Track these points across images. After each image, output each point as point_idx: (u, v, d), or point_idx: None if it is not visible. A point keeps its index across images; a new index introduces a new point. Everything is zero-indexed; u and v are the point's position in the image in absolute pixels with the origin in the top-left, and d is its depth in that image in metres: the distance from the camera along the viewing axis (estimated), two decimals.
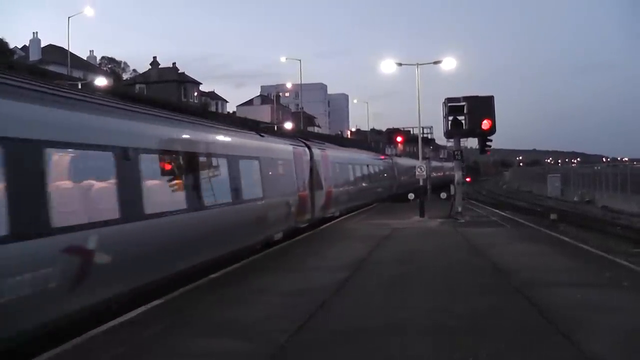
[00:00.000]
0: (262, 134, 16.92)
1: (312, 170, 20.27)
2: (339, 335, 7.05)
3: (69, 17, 45.80)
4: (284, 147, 18.00)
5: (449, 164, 69.79)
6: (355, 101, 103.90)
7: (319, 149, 22.66)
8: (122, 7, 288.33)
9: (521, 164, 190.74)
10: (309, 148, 20.69)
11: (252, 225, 13.82)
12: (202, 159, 11.65)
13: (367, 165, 33.54)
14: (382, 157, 44.48)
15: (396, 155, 54.30)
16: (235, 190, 12.84)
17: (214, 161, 12.27)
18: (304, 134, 36.49)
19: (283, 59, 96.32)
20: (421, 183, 27.46)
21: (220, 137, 13.19)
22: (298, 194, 18.06)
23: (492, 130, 22.31)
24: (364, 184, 31.62)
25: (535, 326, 7.31)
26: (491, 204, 38.84)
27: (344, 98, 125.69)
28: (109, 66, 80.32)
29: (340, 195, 24.91)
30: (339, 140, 50.99)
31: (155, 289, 9.20)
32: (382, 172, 38.35)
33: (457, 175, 23.72)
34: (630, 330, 7.08)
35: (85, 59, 65.41)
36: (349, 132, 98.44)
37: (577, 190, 48.62)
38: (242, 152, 13.78)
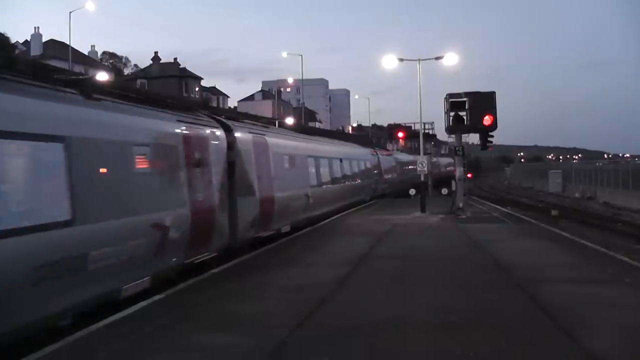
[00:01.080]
0: (97, 96, 8.94)
1: (235, 165, 13.30)
2: (340, 330, 7.05)
3: (70, 12, 45.59)
4: (155, 124, 10.31)
5: (446, 160, 69.59)
6: (356, 97, 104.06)
7: (253, 133, 15.28)
8: (124, 2, 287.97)
9: (522, 160, 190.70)
10: (227, 130, 13.34)
11: (35, 284, 6.81)
12: None
13: (341, 160, 26.10)
14: (373, 151, 38.05)
15: (382, 148, 51.60)
16: None
17: None
18: (305, 130, 35.19)
19: (284, 54, 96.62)
20: (422, 179, 27.47)
21: None
22: (191, 207, 10.74)
23: (494, 126, 22.35)
24: (333, 185, 23.98)
25: (536, 322, 7.31)
26: (492, 200, 38.78)
27: (346, 94, 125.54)
28: (111, 61, 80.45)
29: (291, 203, 17.36)
30: (339, 136, 50.57)
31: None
32: (361, 169, 31.04)
33: (459, 171, 23.69)
34: (632, 327, 7.09)
35: (86, 54, 65.36)
36: (350, 128, 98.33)
37: (579, 187, 48.56)
38: None
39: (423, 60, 27.79)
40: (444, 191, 35.06)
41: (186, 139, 11.08)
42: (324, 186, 22.30)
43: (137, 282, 9.04)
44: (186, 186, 10.75)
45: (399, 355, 6.24)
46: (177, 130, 10.97)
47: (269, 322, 7.54)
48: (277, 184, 16.02)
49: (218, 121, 13.49)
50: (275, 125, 23.55)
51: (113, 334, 7.09)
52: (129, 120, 9.53)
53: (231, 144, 13.28)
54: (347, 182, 26.85)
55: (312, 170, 20.95)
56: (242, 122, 16.26)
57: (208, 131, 12.34)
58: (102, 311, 7.93)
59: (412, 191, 33.78)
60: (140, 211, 9.13)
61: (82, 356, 6.47)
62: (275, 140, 17.13)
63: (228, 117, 15.22)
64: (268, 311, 8.17)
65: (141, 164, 9.45)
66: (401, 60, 28.75)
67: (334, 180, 24.16)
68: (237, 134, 13.86)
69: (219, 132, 12.84)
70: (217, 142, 12.56)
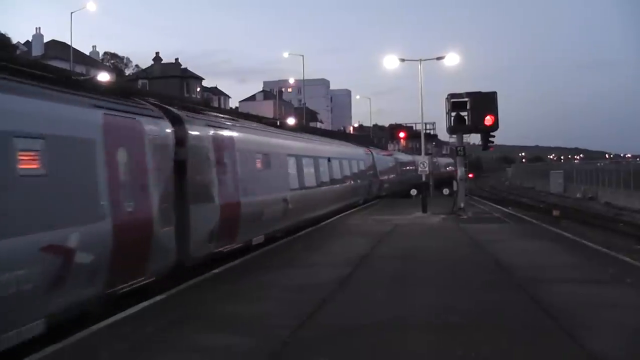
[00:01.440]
0: None
1: (187, 165, 10.89)
2: (341, 331, 7.05)
3: (71, 13, 45.73)
4: (57, 109, 7.56)
5: (446, 160, 69.45)
6: (357, 97, 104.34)
7: (213, 127, 12.67)
8: (125, 3, 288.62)
9: (524, 160, 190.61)
10: (176, 123, 10.88)
11: None
12: None
13: (329, 159, 23.19)
14: (368, 150, 35.68)
15: (382, 148, 50.57)
16: None
17: None
18: (306, 130, 34.86)
19: (286, 55, 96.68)
20: (423, 179, 27.49)
21: None
22: (114, 220, 8.19)
23: (495, 126, 22.39)
24: (319, 187, 21.09)
25: (537, 323, 7.31)
26: (493, 200, 38.79)
27: (347, 94, 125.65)
28: (112, 62, 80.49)
29: (264, 209, 14.73)
30: (339, 136, 50.47)
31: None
32: (353, 169, 28.37)
33: (460, 172, 23.69)
34: (633, 327, 7.09)
35: (88, 54, 65.46)
36: (351, 128, 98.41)
37: (580, 187, 48.54)
38: None
39: (424, 60, 27.79)
40: (446, 191, 35.13)
41: (108, 130, 8.37)
42: (308, 189, 19.37)
43: (23, 328, 6.44)
44: (106, 193, 8.15)
45: (400, 355, 6.24)
46: (94, 119, 8.21)
47: (270, 322, 7.54)
48: (246, 187, 13.50)
49: (164, 110, 10.82)
50: (276, 126, 22.83)
51: (115, 334, 7.10)
52: (11, 101, 6.74)
53: (181, 138, 10.77)
54: (335, 184, 24.01)
55: (293, 171, 18.16)
56: (202, 113, 13.69)
57: (145, 122, 9.59)
58: (103, 310, 7.91)
59: (414, 191, 33.86)
60: (22, 230, 6.43)
61: (83, 356, 6.48)
62: (244, 136, 14.45)
63: (183, 107, 12.92)
64: (269, 311, 8.18)
65: (28, 163, 6.72)
66: (402, 60, 28.74)
67: (320, 183, 21.32)
68: (190, 127, 11.28)
69: (162, 124, 10.24)
70: (158, 136, 9.93)
